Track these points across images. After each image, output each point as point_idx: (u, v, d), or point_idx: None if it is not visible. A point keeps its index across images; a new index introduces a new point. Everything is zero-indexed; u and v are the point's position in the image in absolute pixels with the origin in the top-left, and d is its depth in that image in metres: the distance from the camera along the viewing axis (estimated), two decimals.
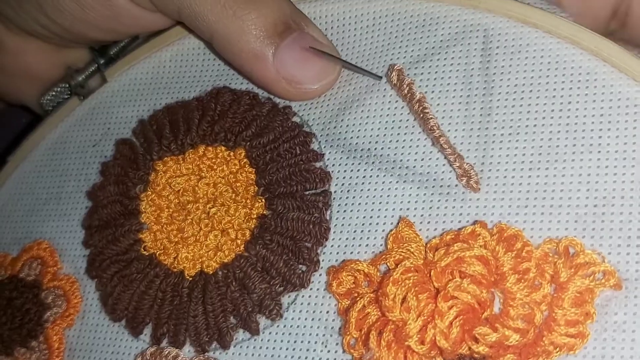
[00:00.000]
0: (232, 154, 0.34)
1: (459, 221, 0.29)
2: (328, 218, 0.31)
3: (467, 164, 0.29)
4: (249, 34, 0.32)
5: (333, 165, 0.32)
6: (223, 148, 0.35)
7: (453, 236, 0.28)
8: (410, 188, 0.30)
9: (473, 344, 0.26)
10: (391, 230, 0.29)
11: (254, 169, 0.33)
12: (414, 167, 0.31)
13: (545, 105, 0.29)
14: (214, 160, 0.34)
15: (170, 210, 0.34)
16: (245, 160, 0.34)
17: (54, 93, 0.40)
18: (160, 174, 0.35)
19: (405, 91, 0.31)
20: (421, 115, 0.30)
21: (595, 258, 0.26)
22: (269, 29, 0.32)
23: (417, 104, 0.30)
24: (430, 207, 0.30)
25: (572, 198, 0.28)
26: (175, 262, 0.33)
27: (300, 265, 0.31)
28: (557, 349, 0.26)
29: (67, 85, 0.40)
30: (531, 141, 0.29)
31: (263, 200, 0.32)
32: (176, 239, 0.34)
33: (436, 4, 0.33)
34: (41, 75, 0.40)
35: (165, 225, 0.34)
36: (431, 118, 0.30)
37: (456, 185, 0.30)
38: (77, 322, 0.35)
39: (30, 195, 0.39)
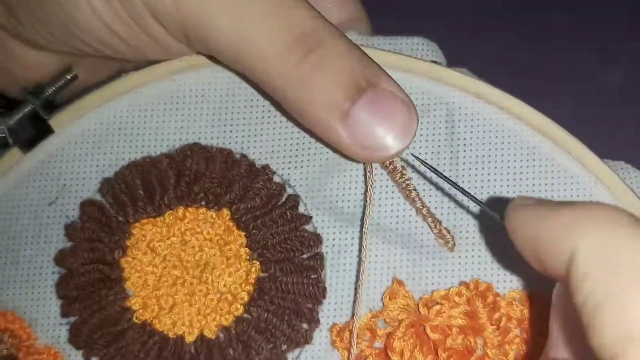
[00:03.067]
0: (215, 215, 0.35)
1: (439, 277, 0.34)
2: (323, 278, 0.35)
3: (445, 228, 0.35)
4: (316, 104, 0.30)
5: (322, 227, 0.35)
6: (204, 209, 0.36)
7: (443, 294, 0.34)
8: (395, 249, 0.35)
9: None
10: (387, 289, 0.34)
11: (244, 232, 0.35)
12: (397, 229, 0.35)
13: (502, 175, 0.35)
14: (196, 222, 0.36)
15: (157, 275, 0.35)
16: (231, 222, 0.35)
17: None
18: (140, 238, 0.35)
19: (388, 163, 0.35)
20: (403, 186, 0.35)
21: None
22: (338, 96, 0.30)
23: (399, 176, 0.35)
24: (414, 265, 0.35)
25: None
26: (174, 327, 0.34)
27: (302, 324, 0.35)
28: None
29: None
30: (492, 207, 0.35)
31: (258, 263, 0.35)
32: (168, 304, 0.34)
33: (401, 75, 0.36)
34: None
35: (153, 291, 0.35)
36: (413, 190, 0.34)
37: (434, 245, 0.35)
38: None
39: None
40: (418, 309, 0.34)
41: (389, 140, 0.31)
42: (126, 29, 0.33)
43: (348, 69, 0.31)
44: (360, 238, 0.35)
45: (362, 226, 0.35)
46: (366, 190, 0.34)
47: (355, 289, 0.34)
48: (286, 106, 0.32)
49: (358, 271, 0.34)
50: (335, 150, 0.35)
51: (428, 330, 0.33)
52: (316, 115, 0.31)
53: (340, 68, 0.31)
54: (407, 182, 0.34)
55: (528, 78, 0.54)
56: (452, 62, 0.40)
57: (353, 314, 0.33)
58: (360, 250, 0.34)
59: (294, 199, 0.35)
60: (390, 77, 0.32)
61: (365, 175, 0.34)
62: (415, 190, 0.34)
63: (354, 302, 0.34)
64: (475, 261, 0.34)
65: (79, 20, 0.33)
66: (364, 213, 0.35)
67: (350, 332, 0.33)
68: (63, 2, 0.32)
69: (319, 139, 0.34)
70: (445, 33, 0.53)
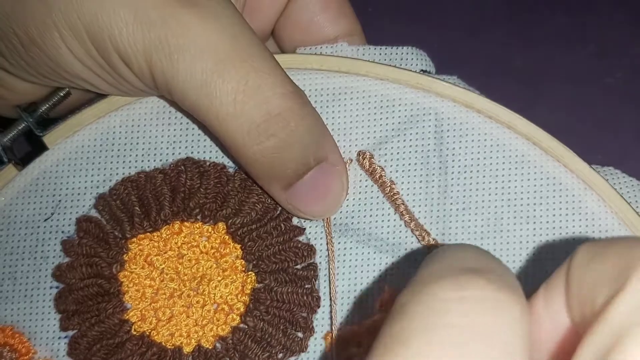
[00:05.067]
0: (210, 229, 0.38)
1: None
2: (317, 288, 0.38)
3: (434, 239, 0.37)
4: (265, 177, 0.35)
5: (315, 238, 0.38)
6: (200, 223, 0.38)
7: None
8: (386, 257, 0.37)
9: None
10: (378, 297, 0.37)
11: (240, 245, 0.38)
12: (387, 239, 0.38)
13: (490, 183, 0.38)
14: (192, 236, 0.38)
15: (154, 288, 0.38)
16: (226, 235, 0.38)
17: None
18: (137, 253, 0.38)
19: (377, 177, 0.37)
20: (392, 199, 0.37)
21: None
22: (287, 174, 0.35)
23: (388, 190, 0.37)
24: (404, 274, 0.37)
25: (515, 262, 0.37)
26: (172, 339, 0.37)
27: (298, 333, 0.37)
28: None
29: None
30: (481, 214, 0.38)
31: (254, 274, 0.38)
32: (166, 316, 0.37)
33: (391, 86, 0.39)
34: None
35: (151, 303, 0.37)
36: (401, 204, 0.37)
37: (424, 254, 0.38)
38: None
39: None
40: None
41: (317, 211, 0.37)
42: (103, 71, 0.36)
43: (303, 150, 0.35)
44: (330, 283, 0.37)
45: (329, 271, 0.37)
46: (327, 244, 0.37)
47: (330, 298, 0.37)
48: (236, 159, 0.36)
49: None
50: None
51: None
52: (262, 181, 0.36)
53: (297, 152, 0.35)
54: (396, 197, 0.37)
55: (527, 79, 0.56)
56: (451, 62, 0.42)
57: (331, 325, 0.36)
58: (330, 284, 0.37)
59: (287, 212, 0.37)
60: (336, 147, 0.37)
61: (325, 229, 0.37)
62: (404, 204, 0.37)
63: (330, 311, 0.36)
64: None
65: (61, 63, 0.36)
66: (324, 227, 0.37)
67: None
68: (44, 48, 0.35)
69: None
70: (445, 34, 0.56)
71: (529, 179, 0.37)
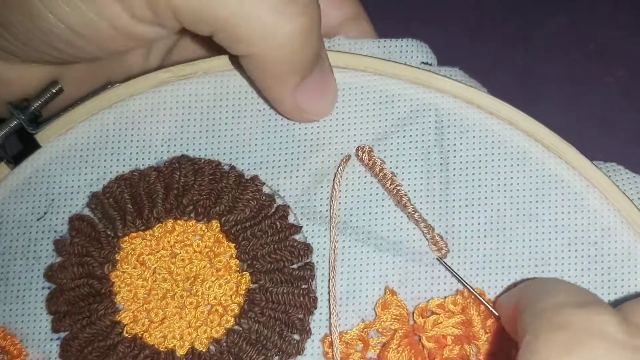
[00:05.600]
0: (204, 227, 0.38)
1: (431, 284, 0.36)
2: (314, 288, 0.37)
3: (438, 234, 0.37)
4: (290, 67, 0.35)
5: (312, 237, 0.37)
6: (194, 221, 0.38)
7: (438, 303, 0.36)
8: (387, 256, 0.37)
9: None
10: (379, 298, 0.36)
11: (234, 244, 0.37)
12: (388, 237, 0.37)
13: (492, 180, 0.38)
14: (185, 235, 0.38)
15: (146, 288, 0.37)
16: (220, 234, 0.38)
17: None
18: (129, 252, 0.37)
19: (377, 170, 0.37)
20: (394, 192, 0.37)
21: None
22: (306, 68, 0.35)
23: (390, 182, 0.37)
24: (406, 273, 0.37)
25: (517, 260, 0.36)
26: (165, 341, 0.36)
27: (294, 335, 0.37)
28: None
29: None
30: (483, 212, 0.37)
31: (248, 275, 0.37)
32: (159, 318, 0.36)
33: (390, 81, 0.39)
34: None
35: (143, 304, 0.37)
36: (404, 195, 0.37)
37: (426, 252, 0.37)
38: None
39: None
40: (412, 318, 0.36)
41: (322, 109, 0.37)
42: (83, 22, 0.34)
43: (320, 38, 0.35)
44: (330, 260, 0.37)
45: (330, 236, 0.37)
46: (330, 242, 0.37)
47: (329, 300, 0.36)
48: (250, 61, 0.35)
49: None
50: (324, 160, 0.37)
51: (424, 340, 0.35)
52: (279, 76, 0.35)
53: (318, 37, 0.35)
54: (398, 188, 0.36)
55: (527, 78, 0.56)
56: (451, 62, 0.42)
57: (330, 329, 0.36)
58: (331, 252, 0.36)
59: (284, 209, 0.37)
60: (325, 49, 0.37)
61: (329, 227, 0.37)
62: (406, 195, 0.36)
63: (329, 315, 0.36)
64: (467, 267, 0.36)
65: (38, 23, 0.34)
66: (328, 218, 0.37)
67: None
68: (18, 6, 0.34)
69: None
70: (445, 33, 0.55)
71: (530, 176, 0.37)
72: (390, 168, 0.37)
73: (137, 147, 0.39)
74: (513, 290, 0.35)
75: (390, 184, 0.36)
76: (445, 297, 0.35)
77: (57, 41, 0.35)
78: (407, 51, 0.40)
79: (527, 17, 0.56)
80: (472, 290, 0.35)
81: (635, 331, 0.28)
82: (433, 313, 0.35)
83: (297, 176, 0.38)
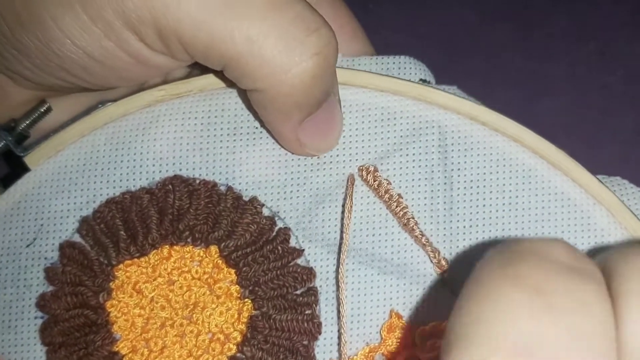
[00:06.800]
0: (202, 253, 0.37)
1: (435, 306, 0.36)
2: (318, 313, 0.37)
3: (443, 257, 0.37)
4: (295, 106, 0.34)
5: (315, 260, 0.37)
6: (191, 247, 0.37)
7: (438, 326, 0.36)
8: (391, 279, 0.37)
9: None
10: (383, 321, 0.36)
11: (234, 270, 0.37)
12: (392, 259, 0.37)
13: (497, 199, 0.38)
14: (182, 261, 0.37)
15: (144, 317, 0.36)
16: (219, 259, 0.37)
17: None
18: (124, 280, 0.37)
19: (383, 192, 0.37)
20: (400, 214, 0.37)
21: None
22: (313, 105, 0.34)
23: (396, 205, 0.37)
24: (410, 295, 0.37)
25: None
26: None
27: None
28: None
29: None
30: (488, 232, 0.37)
31: (250, 301, 0.37)
32: (158, 347, 0.36)
33: (391, 98, 0.38)
34: None
35: (142, 334, 0.36)
36: (411, 218, 0.36)
37: (431, 275, 0.37)
38: None
39: None
40: (414, 341, 0.36)
41: (325, 146, 0.37)
42: (99, 49, 0.34)
43: (333, 75, 0.35)
44: (336, 273, 0.37)
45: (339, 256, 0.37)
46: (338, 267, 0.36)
47: (339, 331, 0.36)
48: (258, 97, 0.35)
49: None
50: (325, 179, 0.37)
51: None
52: (282, 114, 0.35)
53: (330, 75, 0.35)
54: (405, 211, 0.36)
55: (527, 78, 0.56)
56: (451, 61, 0.42)
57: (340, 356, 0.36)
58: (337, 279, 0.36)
59: (285, 233, 0.37)
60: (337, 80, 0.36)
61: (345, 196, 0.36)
62: (413, 218, 0.36)
63: (339, 344, 0.36)
64: None
65: (54, 48, 0.34)
66: (341, 244, 0.37)
67: None
68: (35, 30, 0.34)
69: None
70: (445, 32, 0.55)
71: (536, 194, 0.37)
72: (394, 188, 0.37)
73: (128, 167, 0.38)
74: None
75: (397, 206, 0.36)
76: (444, 321, 0.36)
77: (74, 67, 0.35)
78: (404, 68, 0.40)
79: (527, 17, 0.56)
80: None
81: (582, 257, 0.25)
82: (432, 336, 0.36)
83: (297, 197, 0.37)
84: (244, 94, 0.37)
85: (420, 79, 0.40)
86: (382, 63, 0.40)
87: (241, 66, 0.33)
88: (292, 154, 0.37)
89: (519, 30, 0.55)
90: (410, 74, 0.40)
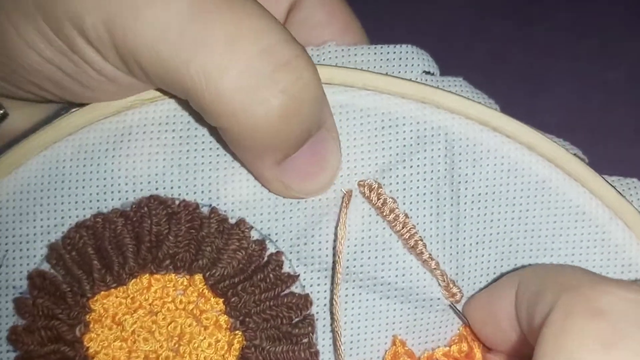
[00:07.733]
0: (186, 281, 0.34)
1: (439, 330, 0.34)
2: (314, 341, 0.35)
3: (452, 280, 0.35)
4: (265, 147, 0.30)
5: (311, 285, 0.34)
6: (173, 276, 0.34)
7: (445, 352, 0.34)
8: (395, 304, 0.34)
9: None
10: (385, 347, 0.34)
11: (222, 299, 0.34)
12: (395, 282, 0.34)
13: (507, 213, 0.35)
14: (165, 290, 0.34)
15: (125, 350, 0.34)
16: (205, 288, 0.34)
17: None
18: (102, 313, 0.34)
19: (388, 211, 0.34)
20: (407, 237, 0.34)
21: None
22: (289, 146, 0.30)
23: (402, 226, 0.34)
24: (414, 319, 0.35)
25: None
26: None
27: None
28: None
29: None
30: (495, 248, 0.35)
31: (241, 333, 0.34)
32: None
33: (394, 101, 0.34)
34: None
35: None
36: (419, 241, 0.34)
37: (438, 298, 0.35)
38: None
39: None
40: None
41: (312, 189, 0.33)
42: (67, 62, 0.31)
43: (311, 114, 0.31)
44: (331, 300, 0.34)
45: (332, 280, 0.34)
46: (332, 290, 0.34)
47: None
48: (226, 134, 0.31)
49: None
50: (321, 197, 0.34)
51: None
52: (251, 154, 0.32)
53: (306, 114, 0.31)
54: (412, 232, 0.34)
55: (528, 73, 0.54)
56: (452, 57, 0.39)
57: None
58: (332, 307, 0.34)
59: (277, 258, 0.34)
60: (331, 114, 0.33)
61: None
62: (421, 240, 0.34)
63: None
64: None
65: (19, 59, 0.31)
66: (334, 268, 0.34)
67: None
68: (6, 51, 0.31)
69: None
70: (445, 28, 0.53)
71: (549, 208, 0.35)
72: (398, 206, 0.34)
73: (98, 186, 0.34)
74: (496, 284, 0.33)
75: (402, 228, 0.33)
76: (450, 347, 0.34)
77: (44, 81, 0.32)
78: (406, 59, 0.36)
79: (528, 13, 0.54)
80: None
81: None
82: None
83: (290, 217, 0.34)
84: None
85: (424, 71, 0.36)
86: (382, 53, 0.36)
87: (199, 101, 0.29)
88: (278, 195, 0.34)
89: (520, 26, 0.53)
90: (413, 64, 0.36)
